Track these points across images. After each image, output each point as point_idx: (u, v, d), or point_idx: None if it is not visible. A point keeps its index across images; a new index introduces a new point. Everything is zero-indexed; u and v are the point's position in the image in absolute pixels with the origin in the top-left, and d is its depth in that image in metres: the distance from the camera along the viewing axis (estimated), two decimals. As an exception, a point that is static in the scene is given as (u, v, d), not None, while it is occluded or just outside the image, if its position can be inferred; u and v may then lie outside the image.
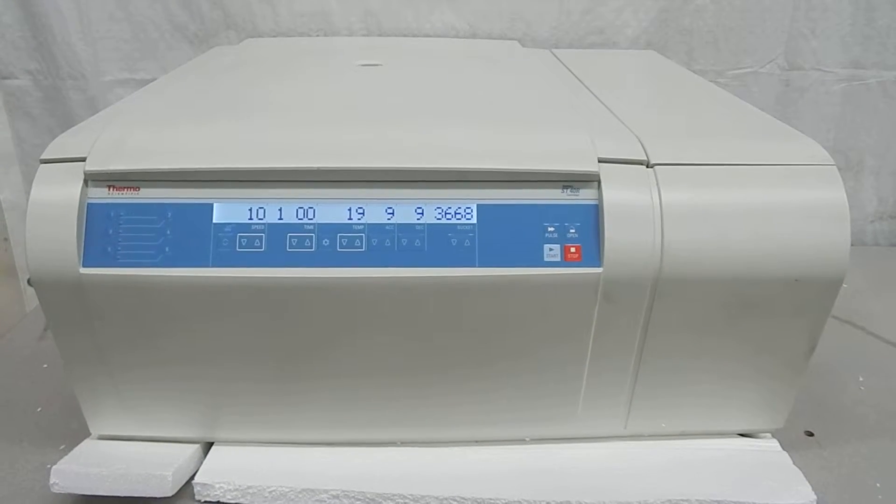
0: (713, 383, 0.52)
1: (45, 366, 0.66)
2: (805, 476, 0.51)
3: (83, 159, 0.46)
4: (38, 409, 0.60)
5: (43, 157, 0.47)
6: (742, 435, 0.56)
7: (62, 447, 0.54)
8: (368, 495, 0.50)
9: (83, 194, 0.46)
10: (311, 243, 0.46)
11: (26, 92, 0.90)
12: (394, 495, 0.50)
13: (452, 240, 0.46)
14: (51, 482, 0.49)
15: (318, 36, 0.90)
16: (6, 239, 0.92)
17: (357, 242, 0.46)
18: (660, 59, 0.84)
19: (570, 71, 0.74)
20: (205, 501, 0.50)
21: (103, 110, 0.57)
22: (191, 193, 0.46)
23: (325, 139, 0.49)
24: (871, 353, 0.71)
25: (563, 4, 0.89)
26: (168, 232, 0.46)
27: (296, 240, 0.46)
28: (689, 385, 0.52)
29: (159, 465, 0.50)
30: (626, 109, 0.58)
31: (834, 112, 0.94)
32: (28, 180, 0.94)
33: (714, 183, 0.48)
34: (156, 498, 0.49)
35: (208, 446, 0.54)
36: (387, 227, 0.46)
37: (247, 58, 0.76)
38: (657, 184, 0.47)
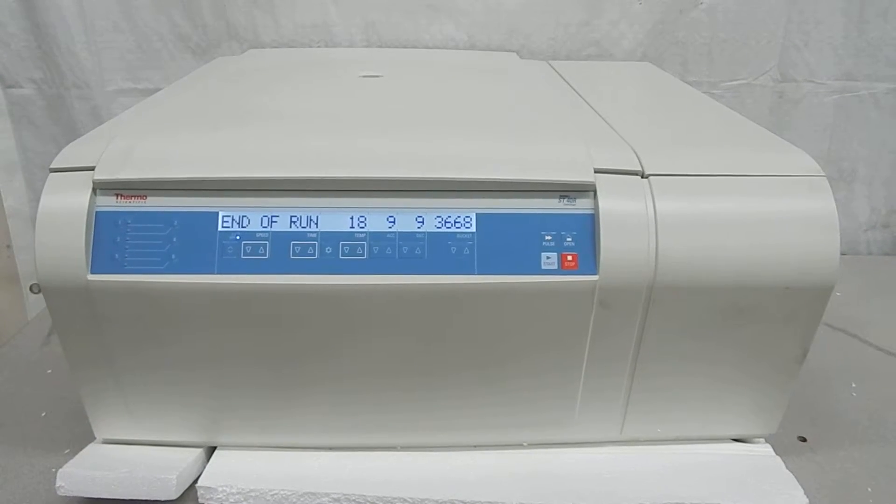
0: (707, 389, 0.53)
1: (49, 371, 0.67)
2: (798, 481, 0.52)
3: (92, 168, 0.47)
4: (43, 414, 0.61)
5: (52, 165, 0.48)
6: (736, 440, 0.57)
7: (67, 451, 0.55)
8: (369, 499, 0.50)
9: (91, 203, 0.47)
10: (314, 251, 0.47)
11: (30, 101, 0.91)
12: (394, 499, 0.50)
13: (452, 248, 0.47)
14: (56, 485, 0.49)
15: (319, 47, 0.92)
16: (9, 246, 0.93)
17: (359, 250, 0.47)
18: (655, 71, 0.86)
19: (567, 82, 0.75)
20: (208, 505, 0.51)
21: (110, 120, 0.59)
22: (197, 202, 0.47)
23: (328, 149, 0.50)
24: (863, 360, 0.72)
25: (561, 17, 0.91)
26: (174, 239, 0.47)
27: (299, 247, 0.47)
28: (684, 390, 0.53)
29: (163, 468, 0.51)
30: (622, 120, 0.59)
31: (827, 123, 0.95)
32: (31, 188, 0.95)
33: (707, 193, 0.49)
34: (160, 501, 0.50)
35: (212, 450, 0.55)
36: (388, 236, 0.47)
37: (250, 68, 0.77)
38: (652, 194, 0.48)
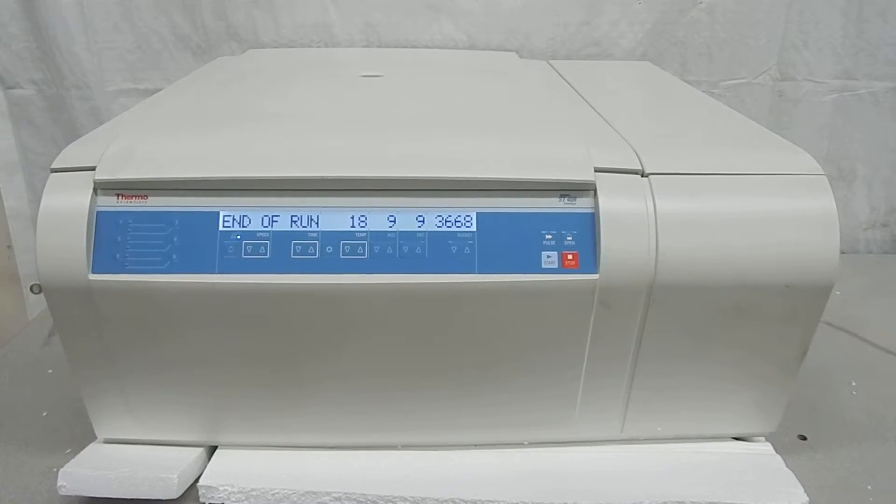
0: (707, 387, 0.53)
1: (50, 371, 0.67)
2: (798, 479, 0.52)
3: (93, 168, 0.47)
4: (44, 414, 0.61)
5: (53, 165, 0.48)
6: (736, 438, 0.57)
7: (68, 451, 0.55)
8: (370, 498, 0.50)
9: (92, 202, 0.47)
10: (315, 250, 0.47)
11: (31, 101, 0.91)
12: (395, 498, 0.50)
13: (452, 247, 0.47)
14: (58, 485, 0.50)
15: (319, 47, 0.92)
16: (9, 246, 0.93)
17: (360, 250, 0.47)
18: (655, 70, 0.86)
19: (566, 82, 0.75)
20: (209, 504, 0.51)
21: (111, 120, 0.59)
22: (197, 202, 0.47)
23: (329, 149, 0.50)
24: (863, 359, 0.72)
25: (560, 17, 0.91)
26: (175, 239, 0.47)
27: (300, 247, 0.47)
28: (684, 389, 0.53)
29: (165, 468, 0.51)
30: (622, 120, 0.59)
31: (826, 122, 0.96)
32: (32, 188, 0.95)
33: (707, 192, 0.49)
34: (161, 500, 0.50)
35: (213, 450, 0.55)
36: (388, 235, 0.47)
37: (250, 68, 0.78)
38: (652, 193, 0.48)
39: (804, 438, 0.60)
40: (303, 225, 0.47)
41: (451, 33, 0.92)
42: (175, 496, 0.50)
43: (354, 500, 0.50)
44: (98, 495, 0.50)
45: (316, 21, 0.90)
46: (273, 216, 0.47)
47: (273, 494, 0.51)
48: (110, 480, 0.50)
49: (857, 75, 0.93)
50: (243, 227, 0.47)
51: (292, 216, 0.47)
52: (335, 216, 0.48)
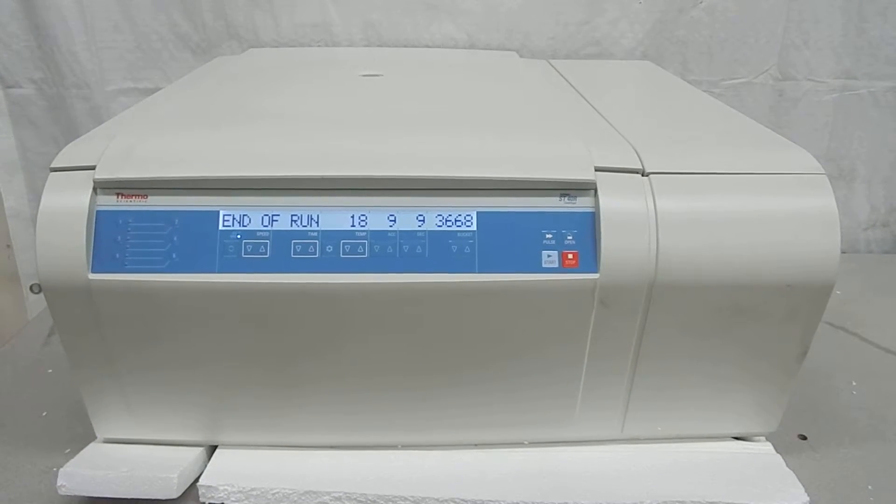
0: (708, 387, 0.53)
1: (50, 371, 0.67)
2: (798, 478, 0.52)
3: (92, 168, 0.47)
4: (44, 414, 0.61)
5: (53, 165, 0.48)
6: (736, 438, 0.57)
7: (68, 451, 0.55)
8: (370, 497, 0.50)
9: (92, 202, 0.47)
10: (315, 250, 0.47)
11: (31, 101, 0.91)
12: (395, 497, 0.50)
13: (453, 246, 0.47)
14: (58, 484, 0.49)
15: (319, 46, 0.92)
16: (9, 246, 0.93)
17: (360, 249, 0.47)
18: (655, 70, 0.86)
19: (567, 81, 0.75)
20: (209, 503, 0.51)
21: (111, 119, 0.59)
22: (197, 201, 0.47)
23: (329, 148, 0.50)
24: (863, 359, 0.72)
25: (561, 16, 0.91)
26: (175, 238, 0.47)
27: (300, 246, 0.47)
28: (685, 389, 0.53)
29: (165, 467, 0.51)
30: (622, 119, 0.59)
31: (826, 122, 0.96)
32: (32, 188, 0.95)
33: (708, 191, 0.49)
34: (161, 500, 0.50)
35: (213, 449, 0.55)
36: (389, 234, 0.47)
37: (250, 68, 0.78)
38: (652, 192, 0.48)
39: (804, 438, 0.60)
40: (303, 224, 0.47)
41: (452, 33, 0.92)
42: (175, 496, 0.50)
43: (354, 500, 0.50)
44: (98, 495, 0.50)
45: (316, 20, 0.90)
46: (273, 215, 0.47)
47: (273, 494, 0.50)
48: (110, 480, 0.50)
49: (857, 75, 0.93)
50: (243, 226, 0.47)
51: (292, 215, 0.47)
52: (335, 215, 0.48)
